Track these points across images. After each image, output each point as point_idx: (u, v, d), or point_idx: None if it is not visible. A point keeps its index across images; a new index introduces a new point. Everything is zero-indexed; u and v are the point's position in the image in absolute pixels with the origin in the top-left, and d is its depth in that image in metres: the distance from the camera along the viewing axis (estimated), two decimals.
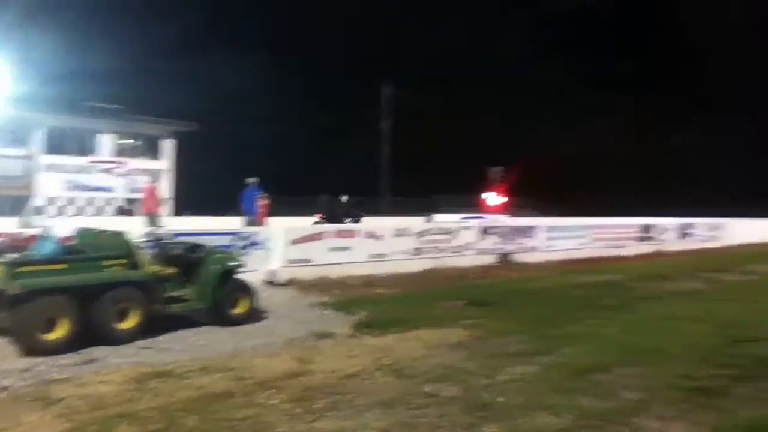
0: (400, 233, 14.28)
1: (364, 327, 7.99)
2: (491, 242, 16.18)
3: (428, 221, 23.15)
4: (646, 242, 21.45)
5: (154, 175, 26.46)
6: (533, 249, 17.20)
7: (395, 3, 71.00)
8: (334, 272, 12.01)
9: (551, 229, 18.43)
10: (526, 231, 17.28)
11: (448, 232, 15.33)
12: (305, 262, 12.08)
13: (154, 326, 7.24)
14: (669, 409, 5.04)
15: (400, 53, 64.46)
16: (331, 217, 18.75)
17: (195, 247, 8.42)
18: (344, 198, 21.14)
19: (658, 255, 19.94)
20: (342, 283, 11.43)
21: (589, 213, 28.38)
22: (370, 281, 11.93)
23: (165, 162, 31.20)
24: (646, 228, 21.92)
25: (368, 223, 17.67)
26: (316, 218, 18.84)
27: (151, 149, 31.25)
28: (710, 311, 9.37)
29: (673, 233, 23.10)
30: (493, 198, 36.19)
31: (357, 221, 19.22)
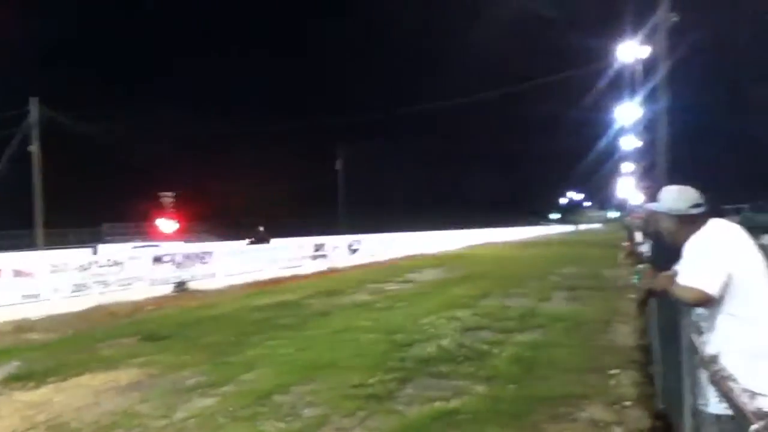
0: (58, 269, 12.70)
1: (13, 381, 6.87)
2: (166, 271, 15.39)
3: (94, 253, 21.13)
4: (319, 260, 22.75)
5: None
6: (212, 275, 16.86)
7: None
8: None
9: (229, 253, 18.32)
10: (203, 257, 16.85)
11: (116, 263, 14.12)
12: None
13: None
14: (347, 420, 5.26)
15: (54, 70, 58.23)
16: None
17: None
18: None
19: (331, 271, 21.27)
20: None
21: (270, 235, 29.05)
22: (21, 326, 10.42)
23: None
24: (319, 246, 23.25)
25: (15, 259, 15.32)
26: None
27: None
28: (377, 320, 10.19)
29: (343, 250, 24.96)
30: (165, 224, 34.82)
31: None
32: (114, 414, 5.59)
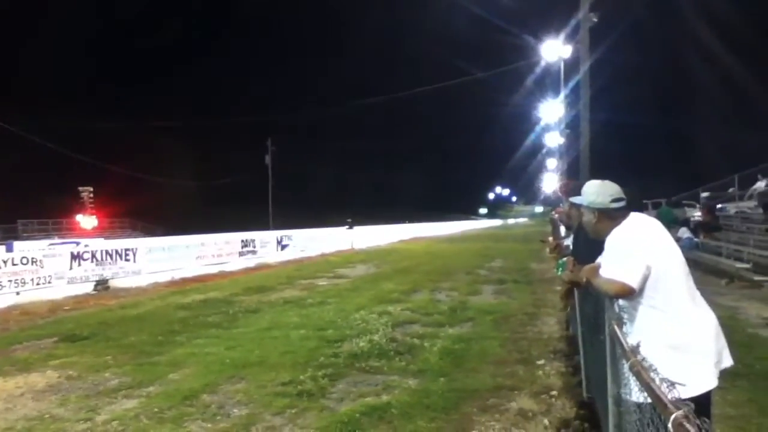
0: None
1: None
2: (85, 269, 14.76)
3: (8, 250, 20.05)
4: (248, 255, 22.37)
5: None
6: (135, 273, 16.30)
7: None
8: None
9: (154, 249, 17.74)
10: (125, 254, 16.25)
11: (32, 261, 13.43)
12: None
13: None
14: (277, 418, 5.19)
15: None
16: None
17: None
18: None
19: (261, 267, 20.95)
20: None
21: (194, 231, 28.33)
22: None
23: None
24: (247, 242, 22.86)
25: None
26: None
27: None
28: (308, 316, 10.10)
29: (273, 245, 24.63)
30: (85, 220, 33.50)
31: None
32: (29, 419, 5.31)
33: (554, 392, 5.70)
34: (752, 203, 17.75)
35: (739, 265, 14.09)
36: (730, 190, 19.95)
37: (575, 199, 3.43)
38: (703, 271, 14.49)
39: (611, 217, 3.10)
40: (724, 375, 2.82)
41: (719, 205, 19.81)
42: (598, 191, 3.17)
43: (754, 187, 17.51)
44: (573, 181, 7.45)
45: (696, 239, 17.90)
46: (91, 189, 46.80)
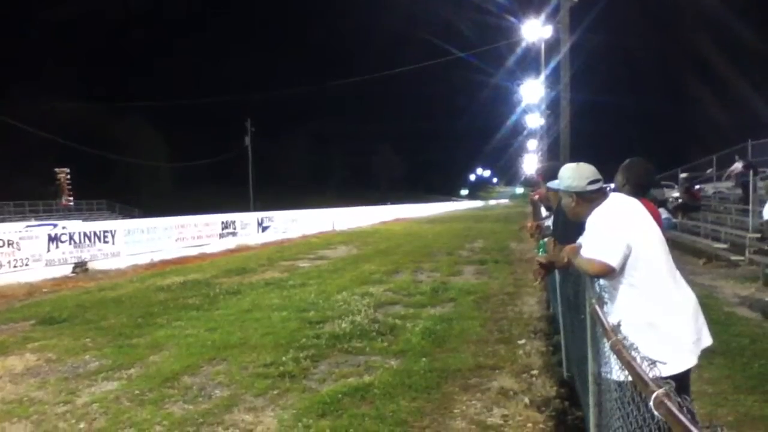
0: None
1: None
2: (64, 251, 14.58)
3: None
4: (228, 237, 22.25)
5: None
6: (114, 255, 16.14)
7: None
8: None
9: (133, 231, 17.56)
10: (104, 236, 16.07)
11: (9, 243, 13.23)
12: None
13: None
14: (259, 399, 5.18)
15: None
16: None
17: None
18: None
19: (242, 249, 20.84)
20: None
21: (173, 213, 28.07)
22: None
23: None
24: (228, 224, 22.72)
25: None
26: None
27: None
28: (289, 298, 10.07)
29: (254, 227, 24.50)
30: (62, 201, 33.04)
31: None
32: (8, 402, 5.26)
33: (535, 371, 5.76)
34: (730, 184, 17.97)
35: (716, 245, 14.30)
36: (709, 170, 20.17)
37: (552, 184, 3.43)
38: (681, 250, 14.68)
39: (589, 199, 3.10)
40: (702, 353, 2.85)
41: (697, 186, 20.04)
42: (573, 175, 3.15)
43: (732, 168, 17.70)
44: (551, 162, 7.46)
45: (674, 219, 18.11)
46: (68, 170, 46.11)
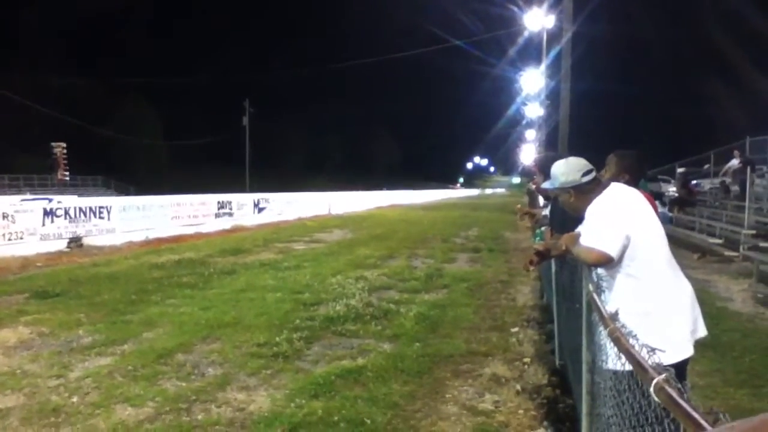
0: None
1: None
2: (59, 226, 14.53)
3: None
4: (224, 217, 22.20)
5: None
6: (109, 231, 16.10)
7: None
8: None
9: (128, 208, 17.50)
10: (99, 211, 16.01)
11: (4, 216, 13.16)
12: None
13: None
14: (252, 379, 5.19)
15: None
16: None
17: None
18: None
19: (237, 230, 20.81)
20: None
21: (168, 191, 27.95)
22: None
23: None
24: (224, 204, 22.66)
25: None
26: None
27: None
28: (284, 279, 10.07)
29: (250, 208, 24.46)
30: (57, 175, 32.89)
31: None
32: (0, 374, 5.25)
33: (527, 359, 5.78)
34: (727, 180, 18.01)
35: (711, 240, 14.36)
36: (706, 166, 20.21)
37: (546, 185, 3.40)
38: (676, 245, 14.68)
39: (586, 191, 3.08)
40: (695, 346, 2.86)
41: (694, 181, 20.08)
42: (566, 170, 3.13)
43: (729, 164, 17.74)
44: (548, 153, 7.44)
45: (670, 214, 18.17)
46: (64, 145, 45.87)
